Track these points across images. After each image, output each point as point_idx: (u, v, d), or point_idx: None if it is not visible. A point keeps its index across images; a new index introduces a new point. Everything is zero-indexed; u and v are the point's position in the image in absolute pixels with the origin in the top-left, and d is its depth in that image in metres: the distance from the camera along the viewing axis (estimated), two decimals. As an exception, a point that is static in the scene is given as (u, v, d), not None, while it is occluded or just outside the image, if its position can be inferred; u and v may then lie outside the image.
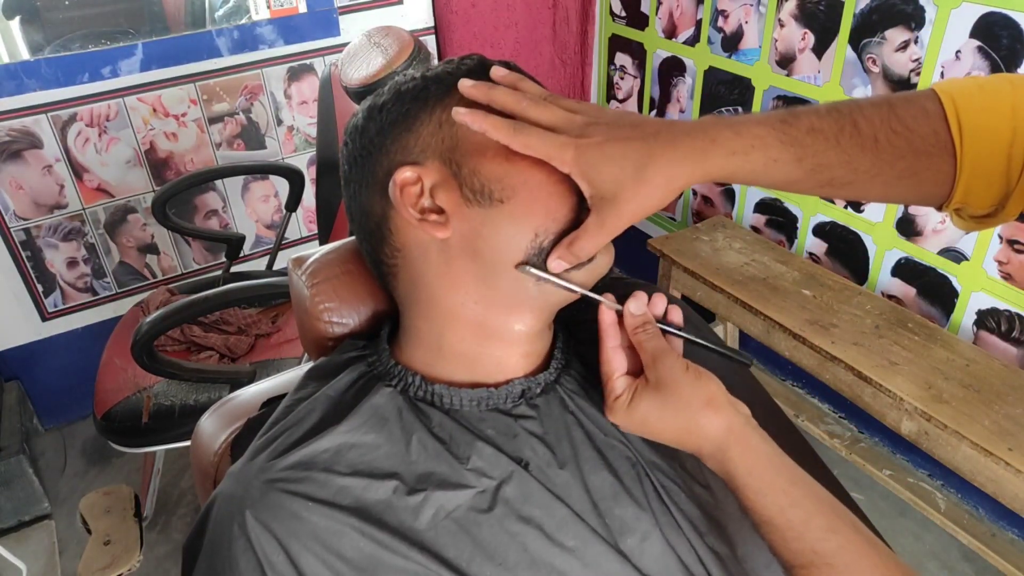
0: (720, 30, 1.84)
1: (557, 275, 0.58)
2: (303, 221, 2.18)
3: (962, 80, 0.55)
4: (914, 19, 1.42)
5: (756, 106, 1.81)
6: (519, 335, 0.61)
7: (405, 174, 0.58)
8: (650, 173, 0.52)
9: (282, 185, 2.00)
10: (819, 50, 1.62)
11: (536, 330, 0.62)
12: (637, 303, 0.59)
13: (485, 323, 0.60)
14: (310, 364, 0.68)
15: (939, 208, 0.57)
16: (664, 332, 0.59)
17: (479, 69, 0.62)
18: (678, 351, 0.60)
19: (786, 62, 1.70)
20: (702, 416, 0.54)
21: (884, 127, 0.53)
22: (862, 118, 0.53)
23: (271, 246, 1.91)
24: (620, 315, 0.60)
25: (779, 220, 1.87)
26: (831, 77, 1.61)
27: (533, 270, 0.57)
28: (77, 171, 1.79)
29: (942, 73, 1.40)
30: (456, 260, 0.59)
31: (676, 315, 0.61)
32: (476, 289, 0.59)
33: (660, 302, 0.61)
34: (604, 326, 0.59)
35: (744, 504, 0.54)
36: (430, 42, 2.11)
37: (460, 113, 0.56)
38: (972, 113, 0.52)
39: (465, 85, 0.58)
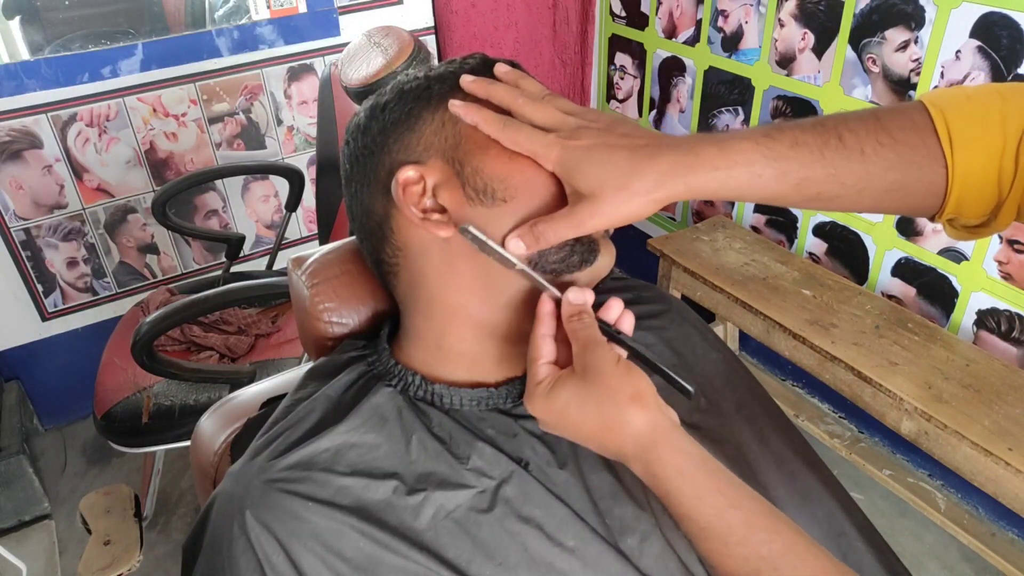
0: (720, 30, 1.84)
1: (500, 245, 0.56)
2: (303, 221, 2.18)
3: (950, 91, 0.54)
4: (914, 19, 1.42)
5: (756, 106, 1.81)
6: (520, 334, 0.61)
7: (407, 173, 0.58)
8: (633, 181, 0.52)
9: (282, 185, 2.00)
10: (819, 50, 1.62)
11: None
12: (577, 293, 0.56)
13: (486, 322, 0.60)
14: (310, 364, 0.68)
15: (932, 219, 0.56)
16: (611, 338, 0.55)
17: (482, 68, 0.62)
18: (621, 354, 0.55)
19: (786, 62, 1.70)
20: (627, 411, 0.50)
21: (870, 139, 0.52)
22: (847, 131, 0.52)
23: (271, 246, 1.91)
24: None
25: (779, 220, 1.87)
26: (831, 77, 1.61)
27: (473, 230, 0.55)
28: (77, 171, 1.79)
29: (942, 73, 1.40)
30: (457, 259, 0.59)
31: (626, 322, 0.57)
32: (477, 288, 0.59)
33: (616, 306, 0.57)
34: (540, 314, 0.56)
35: (677, 511, 0.50)
36: (430, 42, 2.11)
37: (455, 105, 0.57)
38: (962, 124, 0.51)
39: (466, 80, 0.59)
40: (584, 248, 0.58)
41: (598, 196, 0.52)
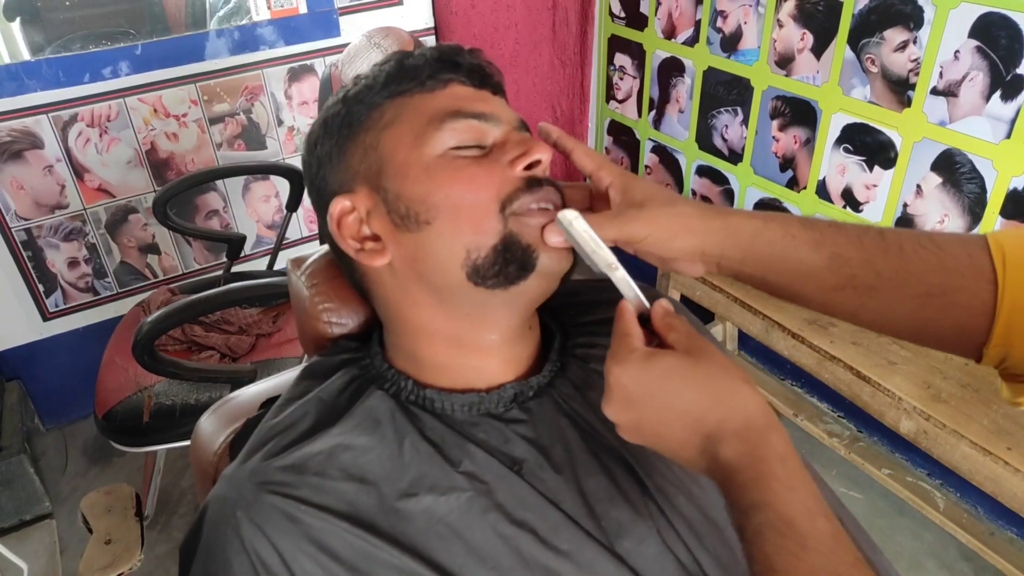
0: (719, 30, 1.84)
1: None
2: (303, 221, 2.18)
3: (1015, 229, 0.54)
4: (913, 19, 1.42)
5: (755, 106, 1.81)
6: (494, 343, 0.61)
7: (341, 204, 0.59)
8: (679, 203, 0.54)
9: (283, 185, 2.00)
10: (818, 50, 1.62)
11: (513, 336, 0.62)
12: (667, 303, 0.54)
13: (457, 336, 0.61)
14: (308, 364, 0.69)
15: (979, 355, 0.51)
16: None
17: (398, 73, 0.61)
18: None
19: (785, 62, 1.70)
20: (743, 389, 0.48)
21: (910, 240, 0.51)
22: (888, 231, 0.53)
23: (272, 246, 1.91)
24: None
25: (778, 220, 1.87)
26: (830, 77, 1.61)
27: (570, 219, 0.54)
28: (78, 171, 1.80)
29: (941, 73, 1.40)
30: (408, 282, 0.59)
31: None
32: (438, 307, 0.60)
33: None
34: (621, 311, 0.53)
35: (761, 498, 0.45)
36: (430, 42, 2.11)
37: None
38: (1019, 248, 0.48)
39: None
40: (517, 260, 0.56)
41: (646, 205, 0.54)
